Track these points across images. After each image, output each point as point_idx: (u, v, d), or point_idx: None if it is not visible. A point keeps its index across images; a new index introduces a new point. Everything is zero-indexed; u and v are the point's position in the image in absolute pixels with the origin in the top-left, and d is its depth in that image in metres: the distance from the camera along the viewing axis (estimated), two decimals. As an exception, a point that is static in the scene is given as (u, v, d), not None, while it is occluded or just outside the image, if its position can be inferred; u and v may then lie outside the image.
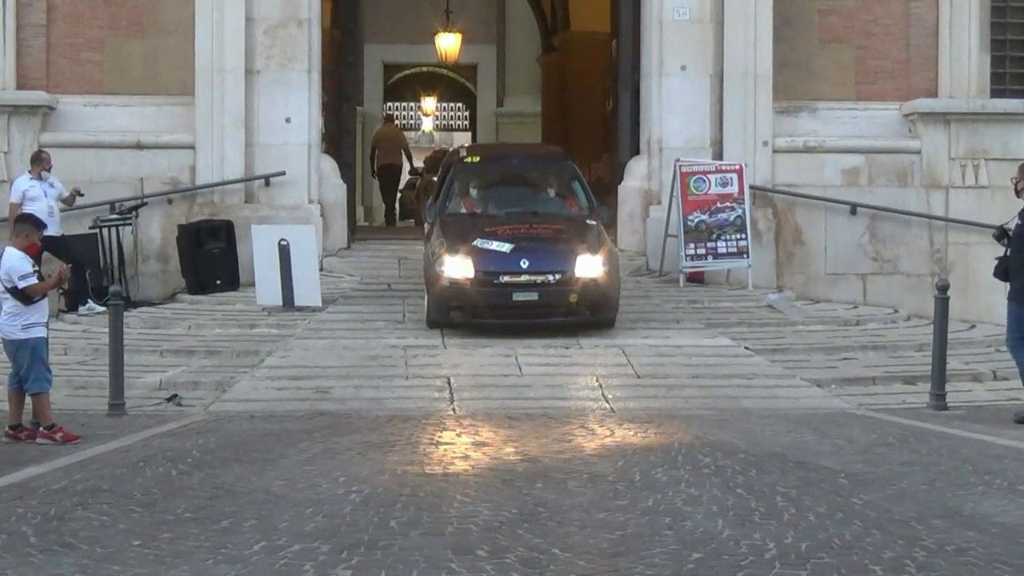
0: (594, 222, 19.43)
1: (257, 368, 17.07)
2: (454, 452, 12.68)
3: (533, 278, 18.08)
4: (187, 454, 12.51)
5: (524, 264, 18.05)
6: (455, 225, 19.18)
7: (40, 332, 13.55)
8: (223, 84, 20.58)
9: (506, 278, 18.07)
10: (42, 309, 13.62)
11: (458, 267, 18.04)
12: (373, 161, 35.02)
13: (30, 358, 13.39)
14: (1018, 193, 15.61)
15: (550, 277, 18.08)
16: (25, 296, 13.27)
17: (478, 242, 18.31)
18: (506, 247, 18.24)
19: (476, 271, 17.97)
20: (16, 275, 13.21)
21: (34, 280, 13.30)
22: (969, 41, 21.88)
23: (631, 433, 13.94)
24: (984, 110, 21.95)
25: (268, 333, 18.49)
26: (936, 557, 8.39)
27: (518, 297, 18.08)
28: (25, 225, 14.10)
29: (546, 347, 18.11)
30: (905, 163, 21.98)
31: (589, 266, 18.22)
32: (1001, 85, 22.36)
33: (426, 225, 20.13)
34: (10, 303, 13.48)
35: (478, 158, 21.63)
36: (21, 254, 13.43)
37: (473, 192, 20.55)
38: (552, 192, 21.10)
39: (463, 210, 20.00)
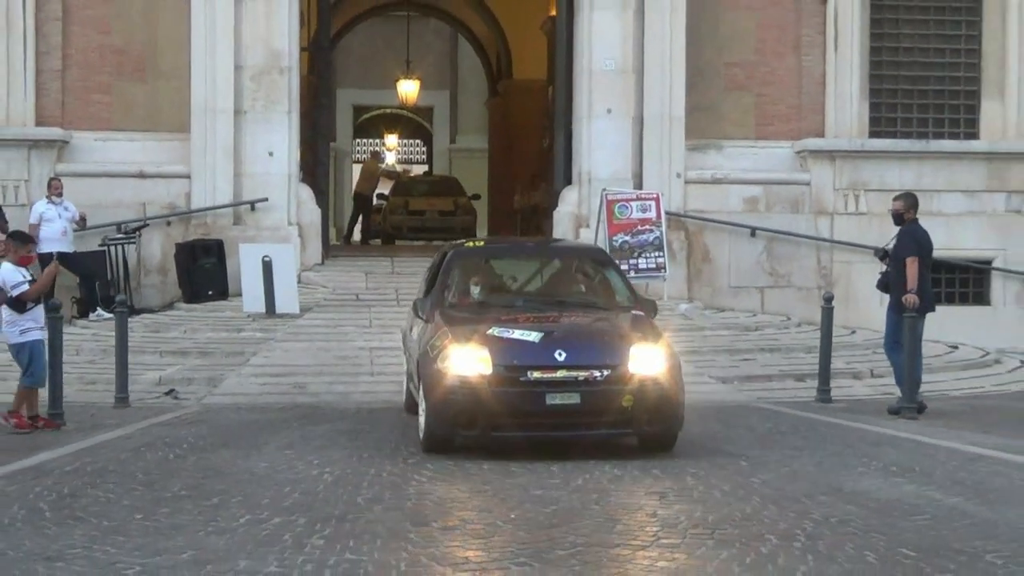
0: (641, 313, 13.08)
1: (243, 366, 16.98)
2: (411, 438, 12.55)
3: (574, 374, 11.55)
4: (182, 440, 12.48)
5: (560, 356, 11.58)
6: (460, 314, 12.83)
7: (35, 335, 13.43)
8: (215, 122, 20.41)
9: (536, 374, 11.53)
10: (36, 315, 13.47)
11: (469, 361, 11.57)
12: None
13: (29, 358, 13.29)
14: (894, 219, 15.79)
15: (596, 373, 11.55)
16: (19, 303, 13.16)
17: (495, 330, 11.96)
18: (533, 335, 11.91)
19: (495, 366, 11.49)
20: (9, 285, 13.15)
21: (25, 287, 13.19)
22: (851, 90, 21.92)
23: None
24: (864, 148, 21.99)
25: (253, 336, 18.30)
26: (822, 527, 8.47)
27: (553, 401, 11.51)
28: (13, 241, 14.05)
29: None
30: (797, 193, 21.99)
31: (648, 360, 11.73)
32: (878, 127, 22.37)
33: (415, 324, 13.53)
34: (7, 312, 13.48)
35: (481, 242, 17.47)
36: (14, 267, 13.35)
37: (477, 282, 14.00)
38: (583, 282, 14.59)
39: (468, 300, 13.64)
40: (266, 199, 20.59)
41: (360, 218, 35.53)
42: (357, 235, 35.65)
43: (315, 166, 23.03)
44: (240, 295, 19.24)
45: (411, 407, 13.54)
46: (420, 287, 14.89)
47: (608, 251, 19.04)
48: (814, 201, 21.91)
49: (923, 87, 22.61)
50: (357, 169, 40.84)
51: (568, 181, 22.13)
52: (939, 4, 22.62)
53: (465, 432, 11.63)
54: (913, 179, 20.67)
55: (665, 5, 21.22)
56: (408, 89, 42.28)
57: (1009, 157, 22.26)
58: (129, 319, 16.22)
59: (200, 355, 17.61)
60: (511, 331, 12.01)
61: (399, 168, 45.82)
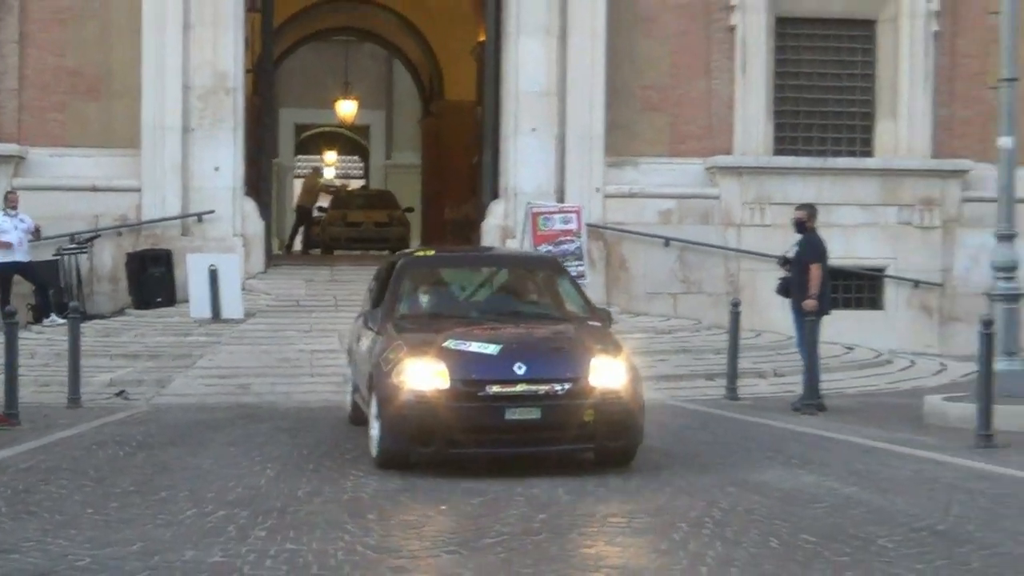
0: (598, 324, 12.03)
1: (190, 369, 16.81)
2: (348, 435, 12.54)
3: (533, 388, 10.37)
4: (132, 439, 12.32)
5: (519, 370, 10.40)
6: (414, 326, 11.54)
7: None
8: (164, 139, 20.23)
9: (495, 388, 10.34)
10: None
11: (425, 375, 10.39)
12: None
13: None
14: (796, 227, 15.92)
15: (556, 387, 10.38)
16: None
17: (451, 343, 10.73)
18: (491, 348, 10.71)
19: (452, 380, 10.30)
20: None
21: None
22: (757, 111, 22.08)
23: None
24: (768, 165, 22.15)
25: (199, 340, 18.07)
26: (729, 516, 8.53)
27: (512, 416, 10.33)
28: None
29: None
30: (707, 206, 22.11)
31: (609, 372, 10.61)
32: (782, 146, 22.55)
33: (363, 335, 12.34)
34: None
35: (432, 251, 15.41)
36: None
37: (430, 292, 12.78)
38: (536, 292, 13.28)
39: (421, 311, 12.32)
40: (212, 211, 20.43)
41: (301, 229, 35.57)
42: (298, 245, 35.64)
43: (259, 181, 22.89)
44: (187, 302, 19.03)
45: (358, 419, 12.62)
46: (365, 297, 13.92)
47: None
48: (723, 214, 22.04)
49: (823, 109, 22.87)
50: (298, 184, 40.77)
51: (495, 195, 22.14)
52: (837, 32, 22.92)
53: (422, 449, 10.39)
54: (814, 193, 20.76)
55: (586, 33, 21.31)
56: (346, 109, 42.28)
57: (901, 173, 22.51)
58: (81, 324, 15.96)
59: (149, 358, 17.40)
60: (468, 343, 10.77)
61: (338, 183, 45.72)
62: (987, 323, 12.89)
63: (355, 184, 45.97)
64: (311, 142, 47.81)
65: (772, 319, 19.79)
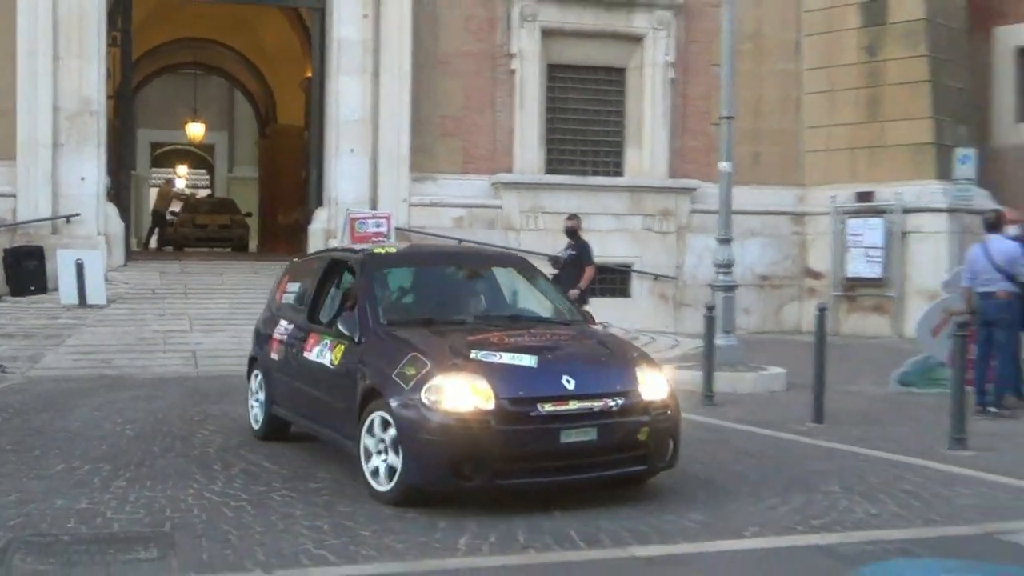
0: (602, 326, 9.68)
1: (60, 346, 16.17)
2: (195, 401, 12.29)
3: (588, 405, 7.29)
4: (9, 406, 11.80)
5: (569, 384, 7.30)
6: (411, 334, 7.95)
7: None
8: (37, 153, 19.35)
9: (548, 407, 7.17)
10: None
11: (464, 394, 7.12)
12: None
13: None
14: (568, 233, 15.99)
15: (610, 403, 7.34)
16: None
17: (478, 354, 7.47)
18: (527, 359, 7.49)
19: (498, 399, 7.10)
20: None
21: None
22: (532, 138, 22.20)
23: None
24: (541, 182, 22.30)
25: (68, 323, 17.37)
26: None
27: (568, 438, 7.21)
28: None
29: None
30: (492, 215, 22.14)
31: (655, 384, 7.73)
32: (552, 166, 22.69)
33: (325, 342, 8.58)
34: None
35: (394, 249, 10.40)
36: None
37: (408, 295, 9.23)
38: (520, 293, 9.66)
39: (408, 317, 8.60)
40: (79, 214, 19.60)
41: (156, 230, 34.57)
42: (154, 244, 34.57)
43: (119, 189, 22.05)
44: (57, 290, 18.29)
45: (275, 432, 9.62)
46: (277, 296, 10.24)
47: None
48: (505, 220, 22.09)
49: (584, 137, 23.08)
50: (154, 192, 39.49)
51: (320, 204, 21.82)
52: (596, 77, 23.17)
53: (463, 483, 7.09)
54: (576, 205, 20.97)
55: (395, 72, 21.19)
56: (195, 130, 41.20)
57: (644, 190, 22.87)
58: (-36, 310, 15.25)
59: (24, 337, 16.66)
60: (498, 355, 7.50)
61: (188, 191, 44.53)
62: (710, 308, 13.38)
63: (203, 193, 44.78)
64: (165, 157, 46.32)
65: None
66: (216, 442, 9.67)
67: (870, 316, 22.54)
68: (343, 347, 8.16)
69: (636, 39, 23.02)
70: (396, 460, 7.22)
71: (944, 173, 22.05)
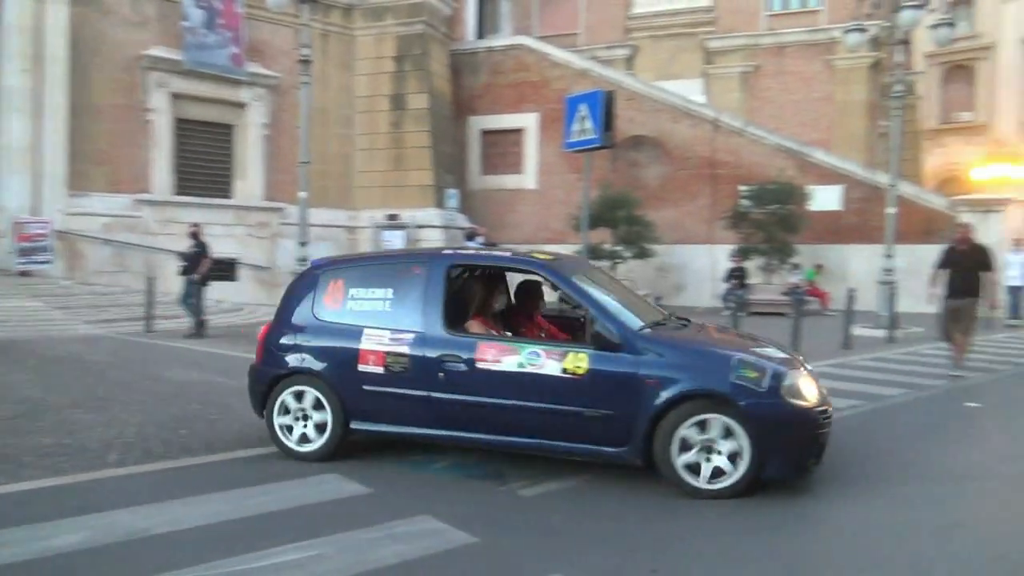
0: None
1: None
2: None
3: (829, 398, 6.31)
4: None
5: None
6: (691, 340, 6.64)
7: None
8: None
9: (823, 405, 6.23)
10: None
11: (813, 389, 6.26)
12: None
13: None
14: (191, 237, 16.25)
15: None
16: None
17: (768, 351, 6.48)
18: (775, 351, 6.57)
19: (820, 393, 6.29)
20: None
21: None
22: (165, 168, 22.62)
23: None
24: (172, 200, 22.59)
25: None
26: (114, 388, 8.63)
27: (823, 430, 6.22)
28: None
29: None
30: (136, 222, 22.20)
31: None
32: (181, 189, 23.20)
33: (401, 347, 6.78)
34: None
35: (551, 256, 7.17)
36: None
37: (492, 295, 7.41)
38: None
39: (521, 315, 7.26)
40: None
41: None
42: None
43: None
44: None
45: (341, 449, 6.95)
46: (333, 307, 7.25)
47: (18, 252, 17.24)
48: (144, 227, 22.05)
49: (205, 170, 23.74)
50: None
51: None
52: (213, 129, 23.84)
53: (813, 467, 6.36)
54: (199, 216, 21.38)
55: (55, 115, 20.73)
56: None
57: (248, 208, 23.89)
58: None
59: None
60: (763, 347, 6.51)
61: None
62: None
63: None
64: None
65: (171, 287, 18.77)
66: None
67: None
68: (585, 355, 6.28)
69: (241, 105, 23.91)
70: (721, 461, 6.03)
71: (440, 203, 25.38)
